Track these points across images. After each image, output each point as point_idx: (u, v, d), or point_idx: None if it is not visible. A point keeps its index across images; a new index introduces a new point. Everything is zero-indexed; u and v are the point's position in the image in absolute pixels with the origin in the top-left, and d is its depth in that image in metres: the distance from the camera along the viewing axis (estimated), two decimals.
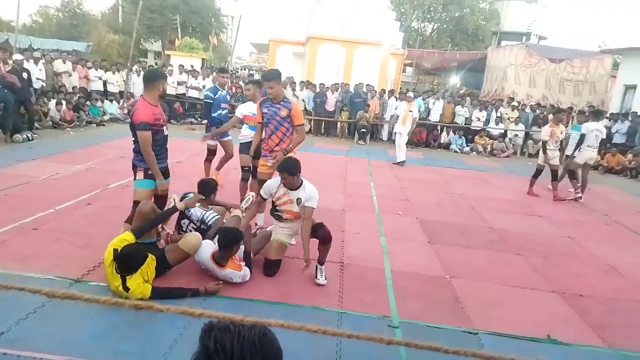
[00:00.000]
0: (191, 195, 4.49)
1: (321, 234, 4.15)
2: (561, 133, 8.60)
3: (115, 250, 3.47)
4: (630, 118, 13.93)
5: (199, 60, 20.44)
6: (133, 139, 4.00)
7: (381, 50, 19.95)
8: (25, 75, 10.00)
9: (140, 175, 4.04)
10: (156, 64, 20.97)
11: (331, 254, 4.74)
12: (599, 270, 5.23)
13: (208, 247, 3.91)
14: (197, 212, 4.57)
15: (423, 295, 4.14)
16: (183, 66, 15.50)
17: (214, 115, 6.70)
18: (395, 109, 12.54)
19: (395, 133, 11.22)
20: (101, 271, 3.88)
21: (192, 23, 31.49)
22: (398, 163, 10.85)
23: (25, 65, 10.55)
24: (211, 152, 7.06)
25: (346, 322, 3.52)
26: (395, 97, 15.17)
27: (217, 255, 3.83)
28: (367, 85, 15.56)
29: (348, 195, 7.49)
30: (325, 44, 19.73)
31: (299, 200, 4.16)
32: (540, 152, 8.80)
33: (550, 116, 11.31)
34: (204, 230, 4.42)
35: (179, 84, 14.47)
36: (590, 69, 17.84)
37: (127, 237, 3.61)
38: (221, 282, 3.79)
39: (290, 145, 4.81)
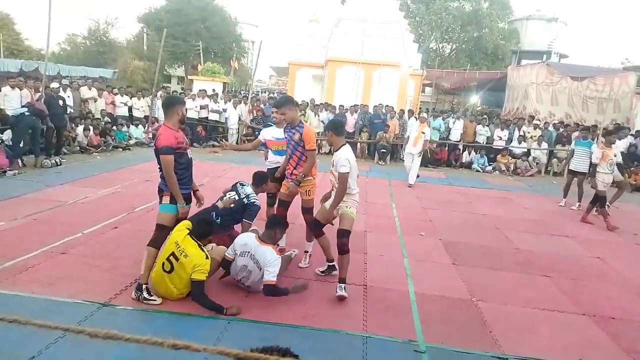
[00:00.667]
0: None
1: (338, 243, 4.26)
2: (615, 156, 8.14)
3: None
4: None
5: (220, 84, 20.90)
6: (159, 165, 4.09)
7: (400, 71, 20.06)
8: (60, 102, 10.53)
9: (166, 199, 4.10)
10: (182, 88, 21.47)
11: (354, 277, 4.74)
12: (630, 292, 5.07)
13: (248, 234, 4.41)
14: (248, 189, 5.00)
15: (449, 318, 4.07)
16: (206, 91, 15.83)
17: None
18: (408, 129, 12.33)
19: (408, 154, 10.68)
20: (128, 295, 3.94)
21: (214, 48, 32.37)
22: (410, 185, 10.60)
23: (61, 93, 11.08)
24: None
25: (372, 346, 3.48)
26: (415, 117, 15.16)
27: (263, 234, 4.28)
28: (386, 106, 15.63)
29: (369, 216, 7.47)
30: (344, 67, 19.95)
31: (333, 163, 4.33)
32: (597, 176, 8.14)
33: (600, 138, 11.28)
34: (243, 205, 4.90)
35: (201, 107, 14.78)
36: (614, 87, 17.53)
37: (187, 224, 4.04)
38: (239, 307, 3.83)
39: (302, 174, 4.75)
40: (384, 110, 15.21)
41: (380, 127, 14.42)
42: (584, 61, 48.77)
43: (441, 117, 15.65)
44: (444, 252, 5.92)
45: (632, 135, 14.25)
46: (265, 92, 33.45)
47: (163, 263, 3.88)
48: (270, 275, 3.93)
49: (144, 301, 3.87)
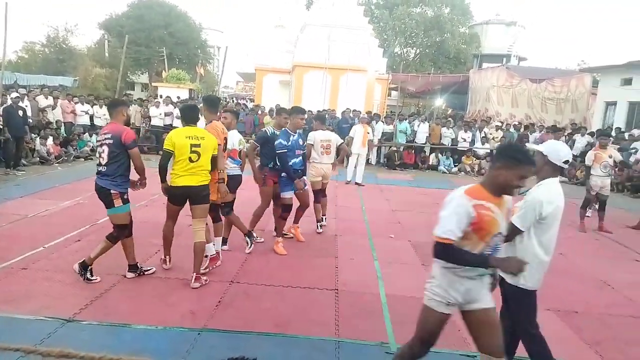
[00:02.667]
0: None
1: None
2: (610, 157, 7.84)
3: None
4: (613, 134, 14.23)
5: (186, 91, 20.62)
6: (112, 160, 4.19)
7: (366, 76, 20.32)
8: (20, 112, 10.17)
9: (118, 202, 4.24)
10: (146, 96, 21.08)
11: (325, 282, 4.77)
12: (591, 286, 5.28)
13: None
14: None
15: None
16: (170, 97, 15.59)
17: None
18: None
19: (355, 154, 11.07)
20: (94, 309, 3.83)
21: (178, 55, 31.91)
22: (358, 183, 11.03)
23: (20, 103, 10.68)
24: (287, 208, 5.75)
25: (344, 350, 3.49)
26: (382, 121, 15.37)
27: None
28: (353, 110, 15.78)
29: (340, 220, 7.51)
30: (311, 72, 20.06)
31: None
32: (590, 179, 7.97)
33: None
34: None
35: (166, 115, 14.53)
36: (571, 88, 18.33)
37: None
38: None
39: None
40: (351, 115, 15.34)
41: (348, 132, 14.49)
42: (542, 63, 50.59)
43: (407, 120, 15.91)
44: (414, 254, 6.01)
45: (589, 134, 14.85)
46: (233, 99, 33.19)
47: (189, 158, 4.32)
48: None
49: (87, 281, 4.28)
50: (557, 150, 2.91)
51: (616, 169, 8.11)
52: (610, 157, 7.82)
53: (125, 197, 4.31)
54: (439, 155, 15.08)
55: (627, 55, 75.80)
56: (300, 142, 5.69)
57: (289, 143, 5.39)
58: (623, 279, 5.52)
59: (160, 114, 14.19)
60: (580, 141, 14.48)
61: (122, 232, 4.35)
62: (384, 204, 9.20)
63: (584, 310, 4.53)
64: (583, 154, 13.38)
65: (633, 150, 12.71)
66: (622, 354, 3.71)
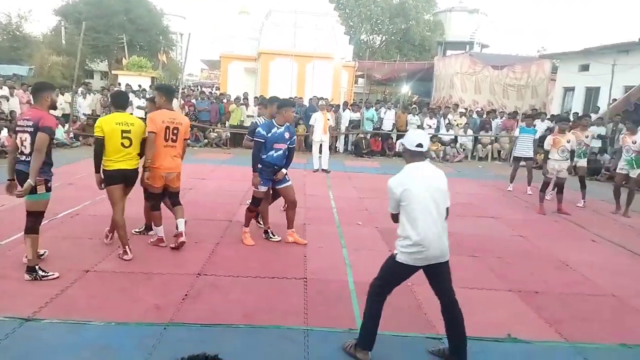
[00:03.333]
0: None
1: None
2: (568, 142, 8.01)
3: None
4: (571, 118, 14.72)
5: (148, 79, 20.06)
6: (28, 140, 4.05)
7: (333, 63, 20.26)
8: None
9: (42, 188, 4.12)
10: (106, 84, 20.28)
11: (294, 270, 4.77)
12: (551, 266, 5.48)
13: None
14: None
15: (386, 304, 4.14)
16: (131, 86, 15.12)
17: (262, 157, 5.32)
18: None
19: (318, 142, 11.21)
20: (54, 306, 3.71)
21: (139, 42, 30.89)
22: (325, 170, 11.16)
23: None
24: (256, 201, 5.58)
25: (313, 338, 3.50)
26: (349, 109, 15.40)
27: None
28: (320, 98, 15.72)
29: (308, 209, 7.50)
30: (277, 59, 19.85)
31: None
32: (548, 163, 8.20)
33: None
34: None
35: None
36: (531, 74, 18.82)
37: None
38: None
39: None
40: (318, 103, 15.27)
41: None
42: (503, 50, 51.59)
43: (374, 108, 16.00)
44: (381, 240, 6.08)
45: (548, 119, 15.32)
46: (197, 87, 32.52)
47: (122, 143, 4.59)
48: None
49: (43, 279, 4.13)
50: (409, 137, 3.27)
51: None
52: (568, 141, 8.06)
53: (49, 185, 4.22)
54: None
55: (585, 42, 78.39)
56: (286, 136, 5.37)
57: (269, 134, 5.23)
58: (581, 259, 5.76)
59: None
60: (541, 126, 14.90)
61: (37, 220, 4.23)
62: (351, 191, 9.25)
63: (544, 290, 4.69)
64: (543, 138, 13.83)
65: (591, 134, 13.17)
66: (581, 331, 3.87)
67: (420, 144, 3.19)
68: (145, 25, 30.92)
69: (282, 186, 5.55)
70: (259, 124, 5.63)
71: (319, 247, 5.66)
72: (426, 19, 34.95)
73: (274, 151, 5.32)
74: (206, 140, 14.80)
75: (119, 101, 5.00)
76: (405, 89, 26.69)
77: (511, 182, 10.05)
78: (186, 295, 4.07)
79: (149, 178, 4.90)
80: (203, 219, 6.50)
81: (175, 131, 4.94)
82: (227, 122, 15.20)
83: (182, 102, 14.94)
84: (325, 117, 11.35)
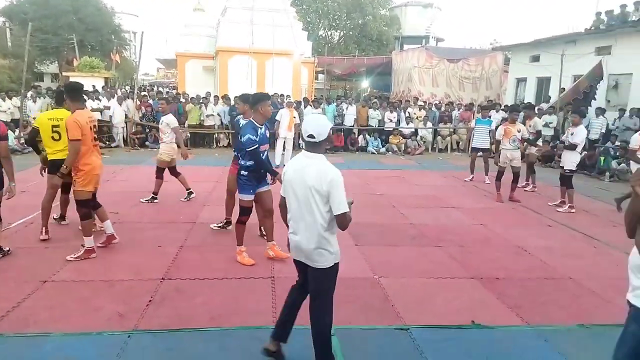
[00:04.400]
0: None
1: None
2: (518, 131, 8.27)
3: None
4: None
5: (101, 80, 19.39)
6: None
7: (292, 60, 20.18)
8: None
9: None
10: (57, 86, 19.29)
11: (261, 270, 4.74)
12: (510, 252, 5.67)
13: None
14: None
15: (354, 298, 4.22)
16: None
17: (246, 162, 4.82)
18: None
19: (282, 138, 11.30)
20: (11, 320, 3.53)
21: (90, 42, 29.82)
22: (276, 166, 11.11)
23: None
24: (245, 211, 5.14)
25: None
26: (311, 105, 15.39)
27: None
28: (281, 95, 15.65)
29: (274, 207, 7.44)
30: (235, 57, 19.58)
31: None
32: (501, 152, 8.47)
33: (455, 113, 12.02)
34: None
35: None
36: (485, 66, 19.34)
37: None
38: None
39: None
40: (279, 100, 15.20)
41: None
42: (458, 44, 52.92)
43: (335, 103, 16.05)
44: (347, 235, 6.10)
45: (503, 110, 15.82)
46: (154, 87, 31.69)
47: (52, 137, 5.21)
48: None
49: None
50: (303, 125, 2.98)
51: (524, 143, 8.79)
52: (519, 131, 8.34)
53: None
54: (367, 136, 15.41)
55: (535, 34, 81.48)
56: (267, 135, 4.90)
57: (257, 137, 4.64)
58: (538, 244, 5.99)
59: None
60: (496, 117, 15.37)
61: None
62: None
63: (505, 276, 4.86)
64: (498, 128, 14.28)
65: (543, 123, 13.70)
66: (541, 314, 4.03)
67: (310, 134, 2.82)
68: (96, 25, 29.86)
69: (261, 189, 4.95)
70: (241, 123, 5.28)
71: (286, 244, 5.62)
72: (382, 13, 35.34)
73: (261, 154, 4.79)
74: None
75: (58, 97, 5.60)
76: (365, 83, 26.93)
77: (472, 173, 10.33)
78: (150, 301, 3.96)
79: (82, 184, 4.78)
80: (165, 222, 6.36)
81: (95, 129, 4.95)
82: (185, 122, 14.88)
83: (138, 102, 14.52)
84: (292, 114, 11.39)
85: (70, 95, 4.83)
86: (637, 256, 2.28)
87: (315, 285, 3.04)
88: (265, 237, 5.21)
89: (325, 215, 2.85)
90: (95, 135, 4.93)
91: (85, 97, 6.09)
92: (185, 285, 4.32)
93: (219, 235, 5.85)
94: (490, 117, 10.81)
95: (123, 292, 4.12)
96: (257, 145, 4.62)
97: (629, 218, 2.33)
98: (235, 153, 5.47)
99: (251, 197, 4.91)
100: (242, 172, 4.81)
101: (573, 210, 7.69)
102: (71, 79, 18.76)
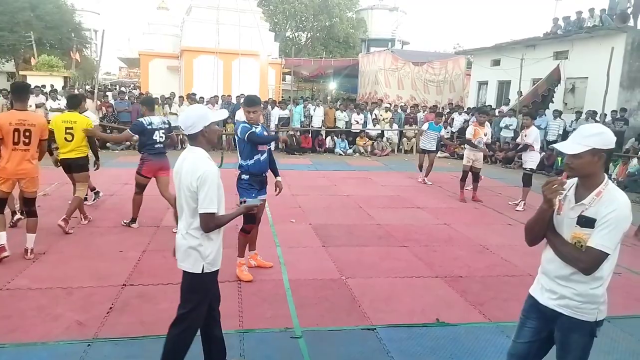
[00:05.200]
0: None
1: None
2: (485, 135, 8.51)
3: None
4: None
5: (61, 80, 18.74)
6: None
7: (259, 60, 20.06)
8: None
9: None
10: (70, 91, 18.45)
11: (227, 274, 4.65)
12: (473, 251, 5.81)
13: None
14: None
15: (322, 300, 4.23)
16: (40, 87, 14.05)
17: (249, 163, 4.54)
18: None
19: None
20: None
21: (49, 39, 28.74)
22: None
23: None
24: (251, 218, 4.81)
25: (249, 341, 3.47)
26: (278, 106, 15.34)
27: None
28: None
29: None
30: (200, 56, 19.32)
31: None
32: (465, 152, 8.74)
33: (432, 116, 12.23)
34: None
35: (37, 106, 13.06)
36: (448, 69, 19.83)
37: None
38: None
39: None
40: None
41: None
42: (422, 47, 53.98)
43: (302, 105, 16.06)
44: (314, 236, 6.13)
45: (465, 112, 16.23)
46: (116, 86, 30.84)
47: (65, 138, 5.75)
48: None
49: None
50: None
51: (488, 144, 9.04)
52: (485, 134, 8.59)
53: None
54: (335, 138, 15.49)
55: (496, 38, 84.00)
56: (265, 134, 4.63)
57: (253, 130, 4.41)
58: (499, 242, 6.17)
59: (31, 106, 12.69)
60: (458, 119, 15.79)
61: None
62: (284, 189, 9.20)
63: (468, 274, 4.97)
64: (461, 130, 14.65)
65: (504, 125, 14.15)
66: (502, 310, 4.14)
67: (188, 126, 2.64)
68: (55, 22, 28.78)
69: (260, 197, 4.56)
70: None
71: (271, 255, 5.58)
72: (349, 16, 35.66)
73: (259, 154, 4.50)
74: (128, 143, 14.07)
75: (71, 102, 6.24)
76: (333, 85, 27.07)
77: (421, 171, 10.47)
78: (111, 308, 3.85)
79: None
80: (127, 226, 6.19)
81: (27, 133, 4.67)
82: None
83: (99, 103, 14.09)
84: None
85: (13, 94, 4.91)
86: (559, 265, 2.23)
87: (182, 292, 2.74)
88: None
89: (195, 213, 2.61)
90: (26, 140, 4.63)
91: (31, 96, 6.52)
92: (149, 291, 4.22)
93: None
94: (441, 123, 10.98)
95: (83, 300, 3.98)
96: (253, 130, 4.36)
97: (533, 227, 2.33)
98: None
99: (257, 202, 4.30)
100: (243, 176, 4.50)
101: (524, 208, 7.97)
102: (29, 78, 18.10)
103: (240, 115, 11.35)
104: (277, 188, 4.89)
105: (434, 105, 17.13)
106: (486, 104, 17.45)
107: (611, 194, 2.10)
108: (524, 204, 8.09)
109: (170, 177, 5.77)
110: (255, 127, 4.44)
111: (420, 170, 10.55)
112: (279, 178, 4.90)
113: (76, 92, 13.73)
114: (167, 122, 6.19)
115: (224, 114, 3.17)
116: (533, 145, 7.99)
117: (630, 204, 2.12)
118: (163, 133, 5.95)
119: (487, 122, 8.96)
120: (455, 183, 9.66)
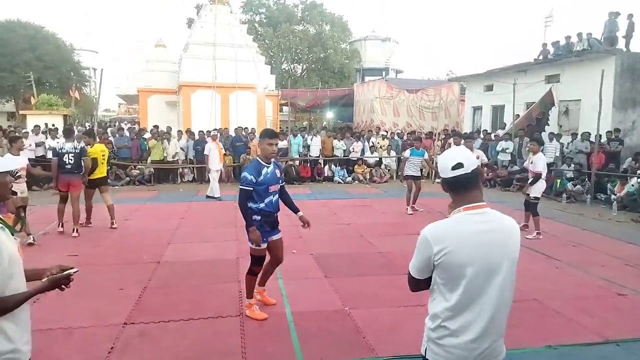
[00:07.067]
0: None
1: None
2: (477, 158, 8.36)
3: None
4: (481, 135, 15.85)
5: (60, 118, 18.94)
6: None
7: (256, 93, 20.33)
8: None
9: None
10: (13, 126, 18.53)
11: (229, 309, 4.61)
12: None
13: None
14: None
15: (325, 332, 4.17)
16: (39, 126, 14.21)
17: (260, 206, 4.37)
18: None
19: (213, 171, 11.76)
20: None
21: (49, 79, 29.24)
22: (218, 198, 11.48)
23: None
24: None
25: None
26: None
27: None
28: (245, 128, 15.71)
29: (241, 242, 7.33)
30: (198, 91, 19.56)
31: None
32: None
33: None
34: None
35: (37, 145, 13.16)
36: (443, 96, 20.09)
37: None
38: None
39: None
40: (244, 133, 15.24)
41: (243, 150, 14.42)
42: (416, 75, 54.91)
43: (300, 135, 16.22)
44: (316, 267, 6.08)
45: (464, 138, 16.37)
46: (116, 123, 31.14)
47: (101, 162, 7.80)
48: None
49: None
50: None
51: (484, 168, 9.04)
52: (477, 157, 8.61)
53: None
54: (333, 166, 15.57)
55: (488, 64, 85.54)
56: (277, 174, 4.40)
57: (260, 178, 4.20)
58: None
59: (30, 145, 12.80)
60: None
61: None
62: (284, 219, 9.10)
63: None
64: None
65: (500, 149, 14.26)
66: (508, 337, 4.04)
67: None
68: (55, 62, 29.36)
69: (273, 237, 4.56)
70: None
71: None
72: (343, 47, 36.37)
73: (271, 196, 4.36)
74: (128, 178, 14.13)
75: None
76: (329, 114, 27.38)
77: (408, 205, 10.05)
78: (112, 348, 3.78)
79: None
80: (127, 262, 6.15)
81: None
82: (149, 157, 14.66)
83: (98, 139, 14.18)
84: (219, 146, 12.08)
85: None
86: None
87: None
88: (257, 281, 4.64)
89: None
90: None
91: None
92: (150, 330, 4.15)
93: (184, 275, 5.69)
94: (422, 148, 10.83)
95: (82, 341, 3.92)
96: (250, 188, 4.19)
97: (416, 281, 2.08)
98: None
99: (264, 246, 4.40)
100: (255, 216, 4.29)
101: (541, 237, 7.75)
102: (29, 118, 18.28)
103: (208, 148, 11.72)
104: (304, 223, 4.66)
105: (429, 132, 17.28)
106: (482, 128, 17.62)
107: None
108: (537, 233, 7.77)
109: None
110: (267, 167, 4.26)
111: (408, 204, 10.08)
112: (300, 213, 4.67)
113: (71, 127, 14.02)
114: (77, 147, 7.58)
115: (11, 163, 2.39)
116: (541, 173, 7.74)
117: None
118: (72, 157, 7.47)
119: (472, 146, 9.06)
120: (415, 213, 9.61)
